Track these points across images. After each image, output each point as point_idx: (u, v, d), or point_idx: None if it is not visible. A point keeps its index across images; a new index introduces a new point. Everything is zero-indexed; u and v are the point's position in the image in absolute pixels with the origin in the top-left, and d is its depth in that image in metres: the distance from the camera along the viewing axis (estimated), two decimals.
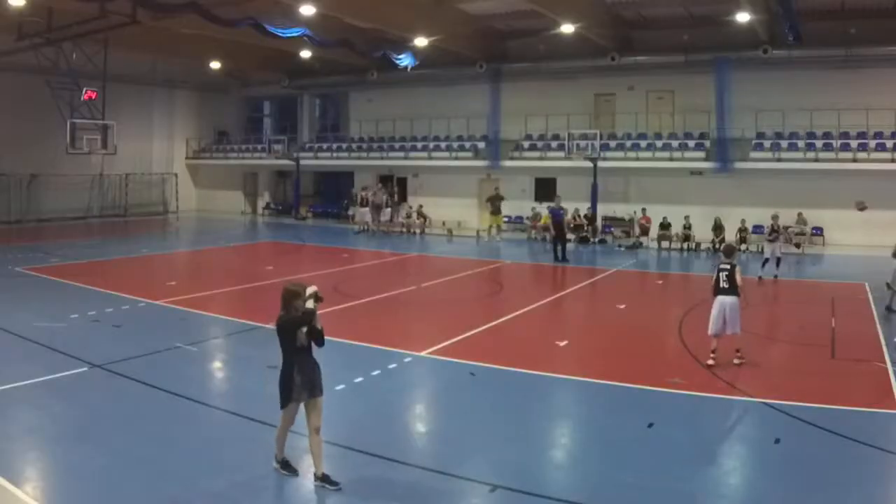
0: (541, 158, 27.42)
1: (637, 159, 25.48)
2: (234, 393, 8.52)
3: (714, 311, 9.38)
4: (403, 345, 10.17)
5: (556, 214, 20.76)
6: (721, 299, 9.35)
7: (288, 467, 6.03)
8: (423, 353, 9.83)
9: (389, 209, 28.30)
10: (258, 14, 21.17)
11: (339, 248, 23.30)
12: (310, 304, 5.76)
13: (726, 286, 9.32)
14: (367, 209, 27.61)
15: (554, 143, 27.18)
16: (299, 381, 5.80)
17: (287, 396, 5.85)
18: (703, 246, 22.63)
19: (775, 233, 17.15)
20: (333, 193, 33.92)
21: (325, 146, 33.58)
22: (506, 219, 26.97)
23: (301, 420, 5.92)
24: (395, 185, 31.21)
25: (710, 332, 9.43)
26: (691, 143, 25.15)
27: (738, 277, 9.35)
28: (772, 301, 15.26)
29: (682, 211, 23.04)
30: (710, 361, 9.33)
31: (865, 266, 18.46)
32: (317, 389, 5.91)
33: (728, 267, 9.42)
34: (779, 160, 23.20)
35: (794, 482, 6.05)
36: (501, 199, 25.89)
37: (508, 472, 6.17)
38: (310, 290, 5.83)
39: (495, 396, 8.35)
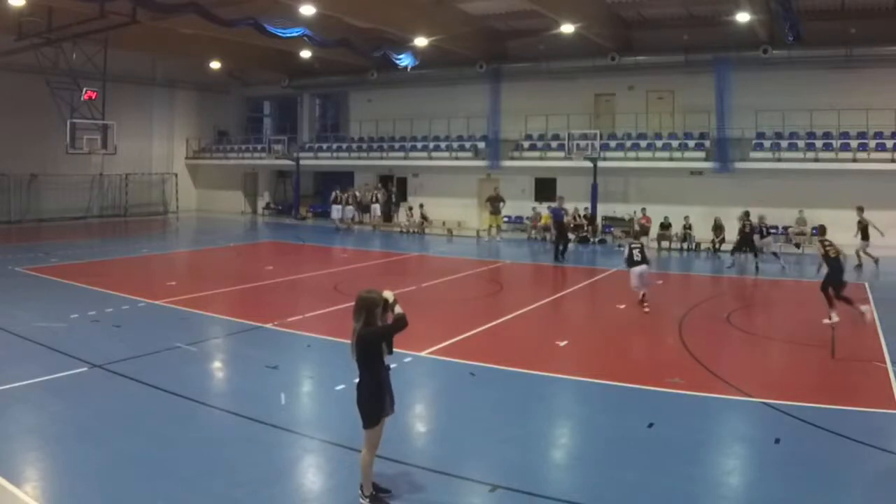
0: (541, 158, 27.44)
1: (637, 159, 25.49)
2: (234, 393, 8.52)
3: (635, 277, 13.15)
4: (403, 345, 10.11)
5: (557, 214, 20.90)
6: (638, 269, 13.10)
7: (382, 490, 5.64)
8: (423, 353, 9.83)
9: (351, 207, 29.08)
10: (258, 14, 21.19)
11: (339, 247, 23.31)
12: (398, 308, 5.43)
13: (639, 259, 13.12)
14: (339, 206, 28.66)
15: (554, 143, 27.19)
16: (387, 394, 5.54)
17: (379, 414, 5.47)
18: (703, 246, 22.62)
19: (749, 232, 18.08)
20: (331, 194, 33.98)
21: (325, 146, 33.60)
22: (506, 219, 27.04)
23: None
24: (395, 185, 31.37)
25: (634, 288, 13.27)
26: (691, 143, 25.15)
27: (646, 252, 13.46)
28: (772, 301, 15.25)
29: (682, 211, 23.04)
30: (647, 309, 12.85)
31: (865, 266, 18.47)
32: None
33: (639, 245, 13.39)
34: (779, 160, 23.21)
35: (794, 482, 6.04)
36: (501, 199, 26.02)
37: (508, 472, 6.17)
38: (388, 294, 5.47)
39: (495, 396, 8.34)
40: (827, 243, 11.94)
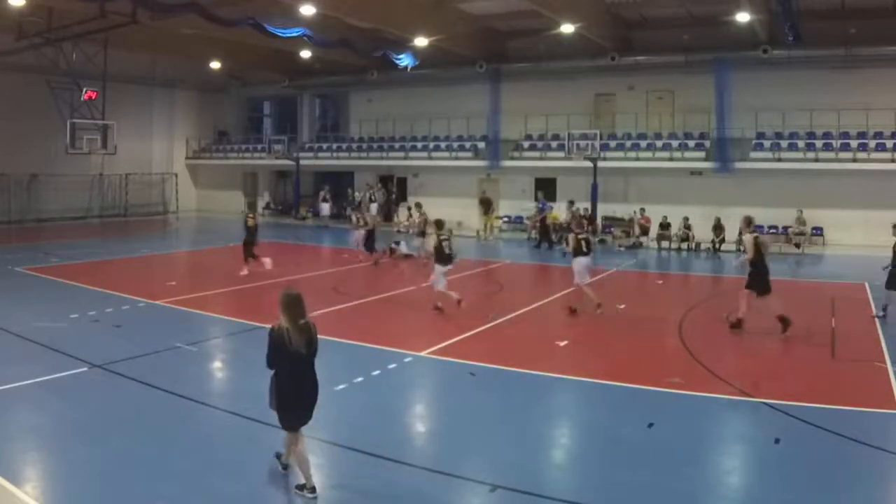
0: (541, 158, 27.43)
1: (637, 159, 25.49)
2: (234, 393, 8.52)
3: (582, 268, 12.84)
4: (403, 345, 10.16)
5: (542, 209, 23.70)
6: (585, 260, 12.87)
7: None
8: (423, 353, 9.83)
9: (328, 204, 30.68)
10: (258, 14, 21.18)
11: (339, 248, 23.29)
12: None
13: (586, 250, 12.90)
14: (327, 205, 30.23)
15: (554, 143, 27.18)
16: None
17: None
18: (703, 246, 22.62)
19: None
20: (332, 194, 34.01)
21: (325, 146, 33.60)
22: (505, 218, 27.11)
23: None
24: (395, 185, 31.43)
25: (579, 282, 12.88)
26: (691, 143, 25.15)
27: (591, 243, 13.36)
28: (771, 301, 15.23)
29: (682, 211, 23.03)
30: (600, 310, 12.58)
31: (865, 266, 18.45)
32: None
33: (585, 235, 13.05)
34: (779, 160, 23.21)
35: (794, 482, 6.05)
36: (489, 201, 26.59)
37: (508, 472, 6.17)
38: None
39: (495, 396, 8.34)
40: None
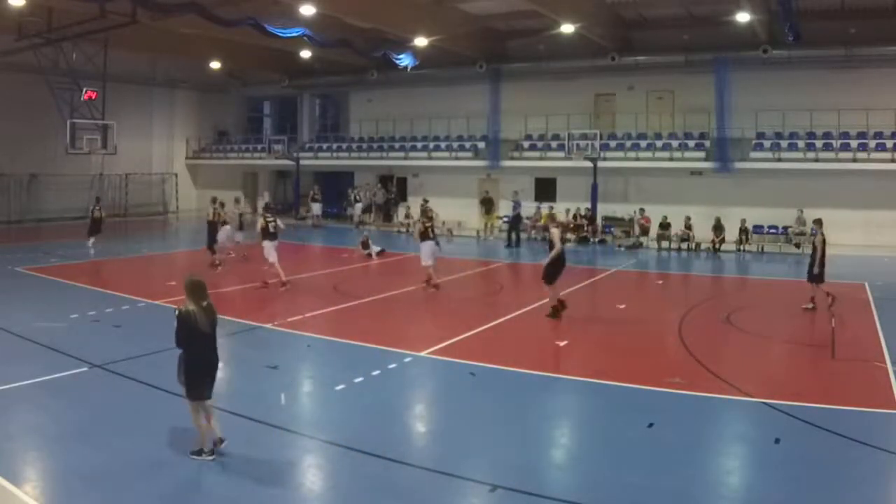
0: (541, 158, 27.45)
1: (637, 159, 25.50)
2: (234, 393, 8.49)
3: (428, 250, 14.66)
4: (403, 345, 10.17)
5: (515, 206, 24.54)
6: (430, 244, 14.69)
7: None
8: (423, 353, 9.83)
9: (318, 203, 31.06)
10: (258, 14, 21.18)
11: (339, 247, 23.29)
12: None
13: (431, 236, 14.80)
14: (317, 204, 30.63)
15: (554, 143, 27.19)
16: None
17: None
18: (703, 246, 22.61)
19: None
20: (334, 193, 33.98)
21: (325, 146, 33.61)
22: (505, 218, 27.06)
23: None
24: (395, 185, 31.44)
25: (425, 263, 14.68)
26: (691, 143, 25.16)
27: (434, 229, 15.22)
28: (772, 301, 15.25)
29: (682, 211, 23.04)
30: (436, 281, 14.77)
31: (865, 266, 18.46)
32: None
33: (430, 224, 15.10)
34: (779, 160, 23.22)
35: (794, 482, 6.05)
36: (491, 201, 26.66)
37: (508, 472, 6.17)
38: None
39: (495, 396, 8.34)
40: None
